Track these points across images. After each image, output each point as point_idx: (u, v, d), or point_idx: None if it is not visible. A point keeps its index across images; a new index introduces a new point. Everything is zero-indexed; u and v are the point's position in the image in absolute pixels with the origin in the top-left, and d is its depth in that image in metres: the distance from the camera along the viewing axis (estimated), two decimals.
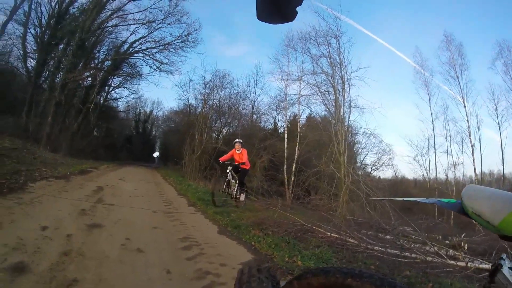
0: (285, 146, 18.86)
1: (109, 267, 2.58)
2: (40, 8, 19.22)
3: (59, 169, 9.02)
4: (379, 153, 20.22)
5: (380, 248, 4.10)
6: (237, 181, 8.13)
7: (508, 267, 0.74)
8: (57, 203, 4.69)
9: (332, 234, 4.53)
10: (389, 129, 43.62)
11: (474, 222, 0.79)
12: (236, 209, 7.33)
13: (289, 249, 4.03)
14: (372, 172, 21.33)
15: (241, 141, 8.60)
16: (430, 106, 19.90)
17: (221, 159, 8.44)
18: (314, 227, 5.11)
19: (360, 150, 21.02)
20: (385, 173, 27.47)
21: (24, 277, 2.12)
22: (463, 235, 6.85)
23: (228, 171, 7.88)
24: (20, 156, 9.23)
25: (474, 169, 17.38)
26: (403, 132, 54.49)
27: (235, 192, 7.91)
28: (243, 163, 8.10)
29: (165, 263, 2.91)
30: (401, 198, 2.68)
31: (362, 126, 17.79)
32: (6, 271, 2.13)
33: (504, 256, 0.77)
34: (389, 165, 20.95)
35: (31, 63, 19.36)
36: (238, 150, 8.36)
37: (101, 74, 20.98)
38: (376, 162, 20.86)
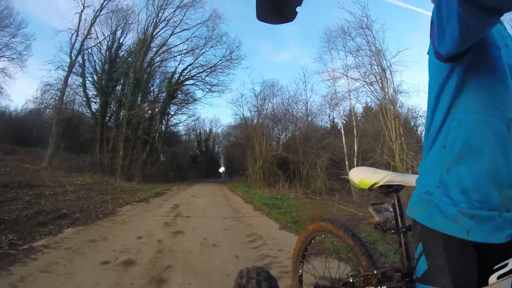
0: (344, 142, 18.95)
1: (192, 257, 3.53)
2: (93, 57, 22.05)
3: (138, 194, 10.45)
4: None
5: None
6: None
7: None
8: (145, 220, 5.82)
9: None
10: None
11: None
12: (297, 207, 7.99)
13: None
14: None
15: None
16: None
17: None
18: (365, 216, 5.61)
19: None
20: None
21: (133, 267, 3.06)
22: None
23: None
24: (102, 188, 10.88)
25: None
26: None
27: None
28: None
29: (234, 252, 3.78)
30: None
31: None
32: (120, 265, 3.09)
33: None
34: None
35: (94, 106, 22.08)
36: None
37: (159, 105, 23.05)
38: None
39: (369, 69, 14.37)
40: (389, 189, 1.25)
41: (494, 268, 0.72)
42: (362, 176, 1.34)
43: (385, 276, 1.19)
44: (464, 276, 0.70)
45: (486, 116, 0.74)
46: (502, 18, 0.95)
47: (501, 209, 0.73)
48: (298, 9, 0.82)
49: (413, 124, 21.55)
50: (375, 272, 1.22)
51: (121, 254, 3.45)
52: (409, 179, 1.17)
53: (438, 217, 0.77)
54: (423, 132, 0.89)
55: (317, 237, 1.79)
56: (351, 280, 1.33)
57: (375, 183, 1.26)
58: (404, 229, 1.20)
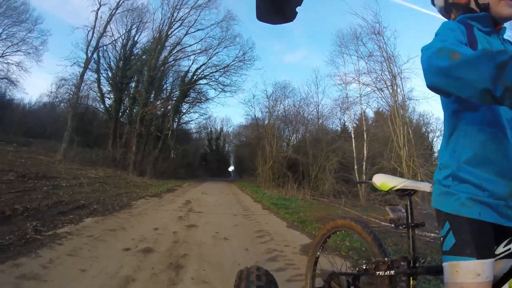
0: (353, 146, 18.91)
1: (205, 248, 3.71)
2: (108, 54, 22.51)
3: (150, 189, 10.68)
4: None
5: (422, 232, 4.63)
6: None
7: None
8: (159, 214, 6.03)
9: (386, 224, 5.12)
10: None
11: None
12: (305, 208, 8.13)
13: (342, 235, 4.76)
14: None
15: None
16: None
17: None
18: (369, 218, 5.74)
19: (436, 138, 20.25)
20: None
21: (152, 254, 3.26)
22: None
23: None
24: (115, 182, 11.14)
25: None
26: None
27: None
28: None
29: (244, 245, 3.96)
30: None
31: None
32: (140, 252, 3.29)
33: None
34: None
35: (108, 101, 22.50)
36: None
37: (172, 103, 23.39)
38: None
39: (380, 75, 14.38)
40: (404, 193, 1.44)
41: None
42: (383, 181, 1.54)
43: (394, 263, 1.38)
44: (484, 247, 0.86)
45: (486, 126, 0.91)
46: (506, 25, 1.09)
47: (508, 199, 0.88)
48: (298, 9, 0.84)
49: (424, 130, 21.51)
50: (386, 259, 1.42)
51: (140, 243, 3.65)
52: (421, 186, 1.38)
53: (455, 204, 0.92)
54: (441, 140, 1.07)
55: (343, 231, 1.95)
56: (364, 267, 1.52)
57: (393, 187, 1.46)
58: (413, 225, 1.37)
